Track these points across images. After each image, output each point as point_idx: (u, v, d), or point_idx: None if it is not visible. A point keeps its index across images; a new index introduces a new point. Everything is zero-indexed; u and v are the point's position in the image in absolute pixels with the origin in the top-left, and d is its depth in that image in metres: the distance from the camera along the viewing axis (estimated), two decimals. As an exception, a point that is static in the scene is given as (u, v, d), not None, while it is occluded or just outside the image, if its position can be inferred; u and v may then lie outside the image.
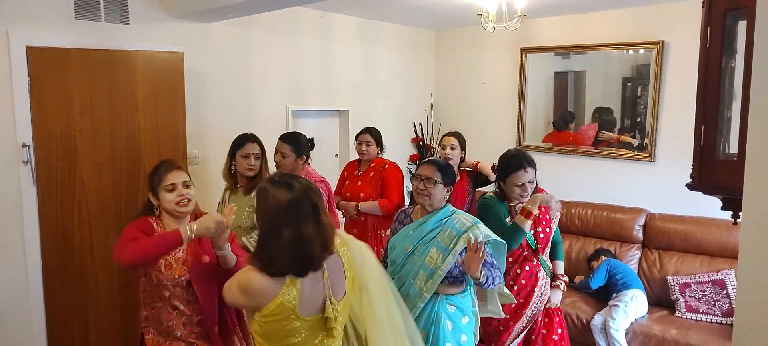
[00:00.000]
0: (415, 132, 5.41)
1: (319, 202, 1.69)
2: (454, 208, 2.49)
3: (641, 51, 4.28)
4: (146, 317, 2.18)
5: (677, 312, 3.64)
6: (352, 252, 1.84)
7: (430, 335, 2.32)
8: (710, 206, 3.72)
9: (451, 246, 2.31)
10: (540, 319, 2.82)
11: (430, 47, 5.56)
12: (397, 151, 5.26)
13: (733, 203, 1.32)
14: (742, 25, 1.27)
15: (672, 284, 3.74)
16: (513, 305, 2.71)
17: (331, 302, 1.71)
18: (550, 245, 2.86)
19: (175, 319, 2.15)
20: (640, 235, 4.10)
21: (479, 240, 2.24)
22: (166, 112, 3.44)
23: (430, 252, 2.33)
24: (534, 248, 2.77)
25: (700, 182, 1.32)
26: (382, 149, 3.75)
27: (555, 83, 4.86)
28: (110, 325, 3.34)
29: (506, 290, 2.56)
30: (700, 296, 3.61)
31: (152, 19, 3.44)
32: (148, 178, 2.25)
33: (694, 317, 3.58)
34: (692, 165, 1.37)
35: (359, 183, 3.65)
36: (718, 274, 3.61)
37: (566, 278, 2.95)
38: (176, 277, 2.12)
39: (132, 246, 1.97)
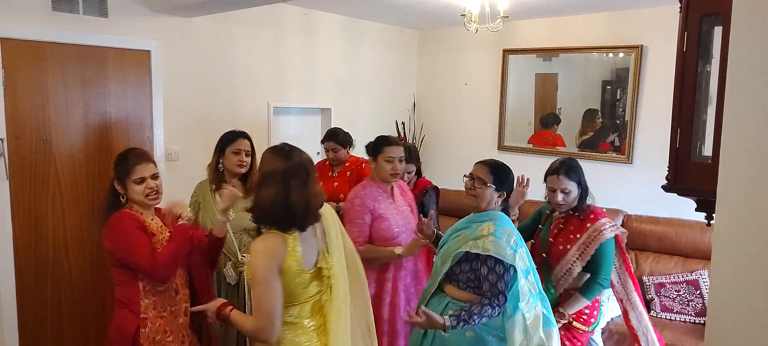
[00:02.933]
0: (398, 131, 5.41)
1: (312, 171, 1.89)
2: (495, 215, 2.25)
3: (620, 54, 4.35)
4: (147, 307, 2.11)
5: (652, 312, 3.71)
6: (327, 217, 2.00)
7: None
8: (685, 208, 3.79)
9: (456, 250, 2.20)
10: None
11: (414, 46, 5.57)
12: (379, 149, 5.26)
13: (707, 205, 1.35)
14: (717, 31, 1.30)
15: (647, 284, 3.80)
16: None
17: (324, 255, 1.92)
18: (566, 265, 2.58)
19: (177, 303, 2.19)
20: (617, 236, 4.16)
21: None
22: (136, 107, 3.49)
23: (444, 249, 2.29)
24: (544, 253, 2.66)
25: (675, 184, 1.35)
26: (352, 146, 3.73)
27: (536, 85, 4.91)
28: (84, 313, 3.33)
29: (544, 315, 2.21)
30: (675, 295, 3.68)
31: (131, 13, 3.39)
32: (114, 166, 2.21)
33: (668, 317, 3.65)
34: (668, 167, 1.39)
35: (336, 184, 3.59)
36: (692, 274, 3.69)
37: (567, 318, 2.55)
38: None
39: (163, 259, 2.05)
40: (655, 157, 4.16)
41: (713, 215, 1.31)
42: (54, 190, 3.16)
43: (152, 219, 2.22)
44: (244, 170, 2.92)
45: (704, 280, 3.62)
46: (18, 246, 3.05)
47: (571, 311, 2.57)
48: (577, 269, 2.56)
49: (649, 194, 4.14)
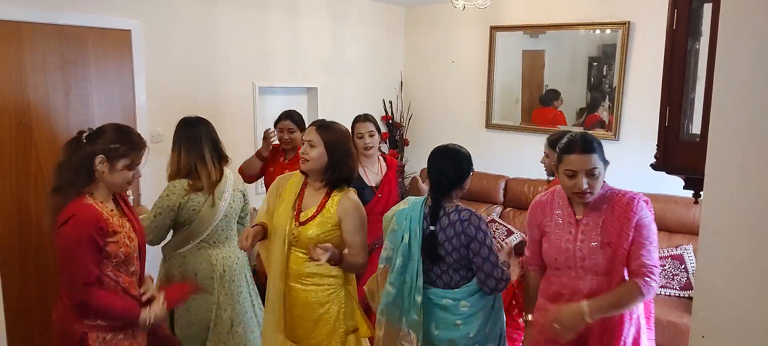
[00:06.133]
0: (385, 110, 5.38)
1: None
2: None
3: (607, 31, 4.34)
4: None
5: (638, 286, 3.76)
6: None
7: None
8: (671, 184, 3.82)
9: None
10: None
11: (400, 24, 5.51)
12: (367, 129, 5.22)
13: (695, 183, 1.35)
14: (707, 8, 1.29)
15: (633, 259, 3.85)
16: None
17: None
18: None
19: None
20: (603, 212, 4.20)
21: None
22: (119, 88, 3.41)
23: None
24: None
25: (664, 163, 1.35)
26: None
27: (524, 62, 4.89)
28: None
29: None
30: (660, 270, 3.73)
31: (111, -9, 3.30)
32: (106, 141, 1.93)
33: (653, 291, 3.70)
34: (656, 146, 1.39)
35: (288, 172, 3.42)
36: (677, 249, 3.74)
37: None
38: (136, 246, 2.04)
39: (96, 303, 1.89)
40: (642, 133, 4.18)
41: (701, 192, 1.32)
42: (36, 175, 3.09)
43: (112, 209, 2.00)
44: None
45: (689, 255, 3.68)
46: (1, 233, 3.00)
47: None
48: None
49: (635, 170, 4.16)
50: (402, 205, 2.36)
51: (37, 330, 3.20)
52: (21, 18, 2.95)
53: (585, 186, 1.98)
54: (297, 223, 2.26)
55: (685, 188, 1.40)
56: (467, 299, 2.21)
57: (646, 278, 1.95)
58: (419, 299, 2.20)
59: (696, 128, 1.36)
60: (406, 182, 5.37)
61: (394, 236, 2.29)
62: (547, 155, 2.85)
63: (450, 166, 2.22)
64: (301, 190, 2.33)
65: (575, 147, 2.00)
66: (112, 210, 2.01)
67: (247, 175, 3.39)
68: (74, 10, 3.14)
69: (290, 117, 3.37)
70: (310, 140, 2.24)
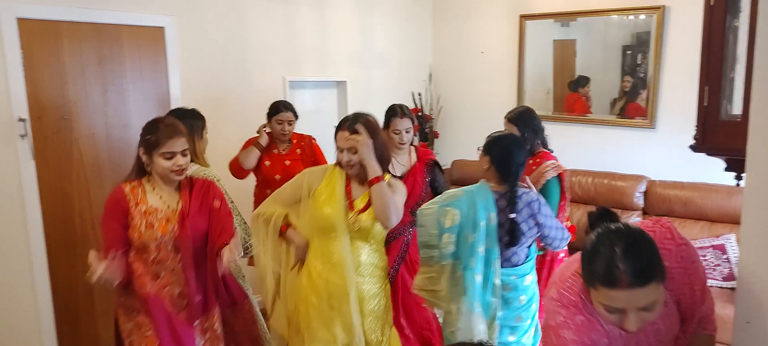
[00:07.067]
0: (414, 102, 5.36)
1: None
2: (473, 186, 2.46)
3: (641, 16, 4.22)
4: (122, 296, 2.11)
5: (676, 278, 3.67)
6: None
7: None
8: (710, 172, 3.72)
9: None
10: None
11: (428, 15, 5.48)
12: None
13: (736, 164, 1.31)
14: (747, -18, 1.24)
15: (671, 250, 3.75)
16: None
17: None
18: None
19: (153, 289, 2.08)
20: (640, 202, 4.10)
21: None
22: (153, 84, 3.50)
23: None
24: None
25: (703, 144, 1.31)
26: None
27: (555, 52, 4.81)
28: (113, 290, 3.39)
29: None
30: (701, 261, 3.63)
31: (145, -11, 3.39)
32: (142, 133, 2.13)
33: (692, 283, 3.60)
34: (696, 126, 1.35)
35: (288, 163, 3.43)
36: (719, 239, 3.63)
37: None
38: (159, 236, 2.07)
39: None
40: (679, 121, 4.06)
41: (743, 173, 1.28)
42: (78, 169, 3.21)
43: (160, 197, 2.13)
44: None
45: (731, 244, 3.56)
46: (47, 225, 3.11)
47: None
48: None
49: (672, 158, 4.06)
50: (457, 195, 2.34)
51: (83, 319, 3.31)
52: (60, 17, 3.05)
53: (637, 326, 1.25)
54: (355, 213, 2.29)
55: (726, 169, 1.36)
56: (530, 273, 2.43)
57: (714, 321, 1.58)
58: (498, 281, 2.32)
59: (736, 108, 1.32)
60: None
61: (461, 228, 2.29)
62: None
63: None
64: (347, 182, 2.35)
65: (620, 278, 1.18)
66: (160, 197, 2.12)
67: (245, 168, 3.35)
68: (110, 9, 3.24)
69: (290, 109, 3.44)
70: (349, 149, 2.26)
